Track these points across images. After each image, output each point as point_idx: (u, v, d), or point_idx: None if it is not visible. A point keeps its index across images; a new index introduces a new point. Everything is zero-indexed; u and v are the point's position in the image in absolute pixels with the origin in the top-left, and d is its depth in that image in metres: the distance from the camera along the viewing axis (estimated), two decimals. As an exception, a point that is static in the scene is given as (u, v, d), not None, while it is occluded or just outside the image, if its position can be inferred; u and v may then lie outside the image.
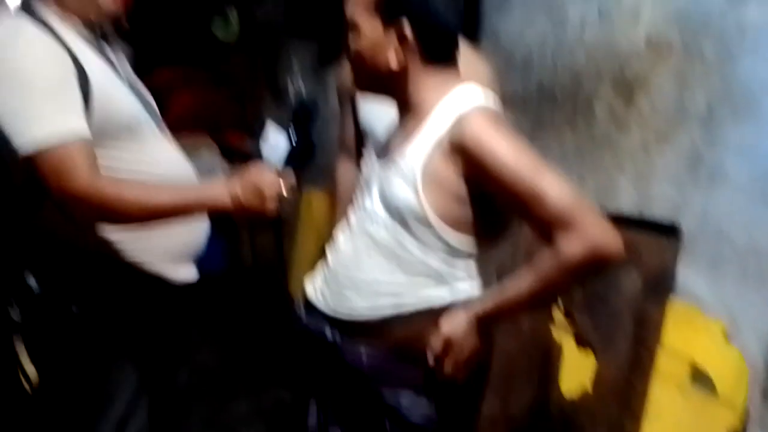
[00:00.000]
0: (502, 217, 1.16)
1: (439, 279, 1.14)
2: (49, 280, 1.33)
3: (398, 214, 1.13)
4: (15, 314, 1.39)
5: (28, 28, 1.25)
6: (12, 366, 1.48)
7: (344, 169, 1.91)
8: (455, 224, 1.11)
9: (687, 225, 1.59)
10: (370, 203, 1.20)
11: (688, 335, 1.50)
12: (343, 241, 1.25)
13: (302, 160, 1.41)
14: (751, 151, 1.44)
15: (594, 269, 1.05)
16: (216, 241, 4.04)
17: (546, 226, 1.04)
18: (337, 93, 1.90)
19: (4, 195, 1.31)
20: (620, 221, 1.62)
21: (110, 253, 1.32)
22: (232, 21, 3.80)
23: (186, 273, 1.50)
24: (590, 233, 1.01)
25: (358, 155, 1.82)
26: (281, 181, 1.28)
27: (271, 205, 1.27)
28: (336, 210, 1.93)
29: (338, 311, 1.21)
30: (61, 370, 1.40)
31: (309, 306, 1.28)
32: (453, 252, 1.13)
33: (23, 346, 1.45)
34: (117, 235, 1.32)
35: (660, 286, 1.59)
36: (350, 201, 1.81)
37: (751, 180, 1.45)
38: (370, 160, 1.25)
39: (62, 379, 1.40)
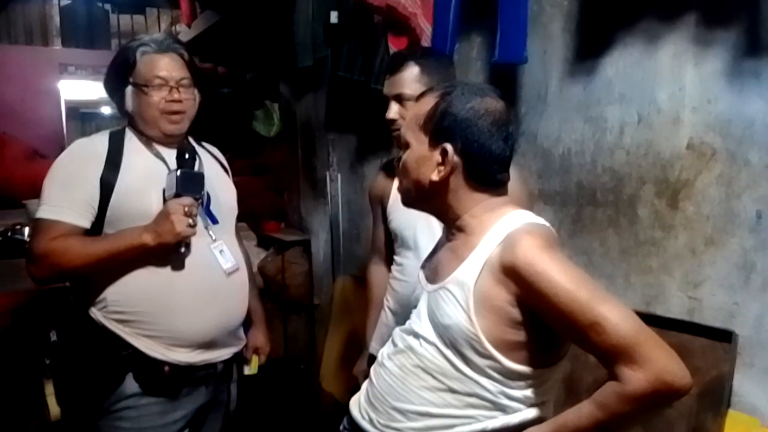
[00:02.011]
0: (559, 341, 1.12)
1: (493, 403, 1.11)
2: (66, 337, 1.64)
3: (449, 338, 1.11)
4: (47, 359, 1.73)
5: (98, 136, 1.65)
6: (39, 401, 1.78)
7: (377, 272, 1.97)
8: (509, 348, 1.08)
9: (741, 332, 1.54)
10: (419, 325, 1.19)
11: (749, 451, 1.43)
12: (388, 360, 1.23)
13: (193, 188, 1.59)
14: (805, 259, 1.41)
15: (661, 403, 1.00)
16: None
17: (608, 356, 1.00)
18: (369, 198, 1.97)
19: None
20: (672, 325, 1.61)
21: (113, 329, 1.57)
22: (273, 117, 3.94)
23: (193, 357, 1.64)
24: (656, 366, 0.96)
25: (389, 258, 1.88)
26: (179, 203, 1.54)
27: (180, 225, 1.52)
28: (369, 312, 1.95)
29: None
30: (73, 412, 1.69)
31: (354, 426, 1.26)
32: (507, 376, 1.09)
33: (51, 384, 1.73)
34: (121, 315, 1.56)
35: (716, 396, 1.53)
36: (382, 303, 1.85)
37: (807, 288, 1.41)
38: (416, 278, 1.26)
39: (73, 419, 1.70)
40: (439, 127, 1.14)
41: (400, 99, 1.65)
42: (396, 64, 1.67)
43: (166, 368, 1.58)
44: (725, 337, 1.55)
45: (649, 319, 1.68)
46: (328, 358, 3.40)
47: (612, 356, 0.99)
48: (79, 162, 1.57)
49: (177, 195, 1.55)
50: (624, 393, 0.98)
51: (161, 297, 1.57)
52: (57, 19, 6.89)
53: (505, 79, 2.13)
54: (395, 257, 1.82)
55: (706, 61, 1.61)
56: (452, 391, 1.12)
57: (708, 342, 1.57)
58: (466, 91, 1.15)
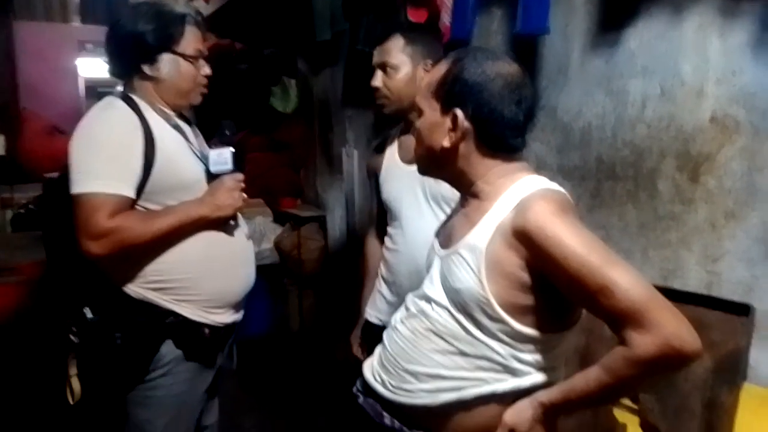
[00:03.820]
0: (570, 306, 1.12)
1: (504, 366, 1.12)
2: (103, 313, 1.62)
3: (461, 302, 1.12)
4: (74, 337, 1.66)
5: (118, 105, 1.60)
6: (61, 380, 1.70)
7: (371, 242, 2.05)
8: (520, 312, 1.09)
9: (759, 306, 1.53)
10: (431, 288, 1.20)
11: (763, 421, 1.43)
12: (401, 324, 1.25)
13: (241, 166, 1.72)
14: (827, 232, 1.40)
15: (668, 367, 1.00)
16: (262, 304, 4.07)
17: (617, 320, 0.99)
18: (367, 171, 2.04)
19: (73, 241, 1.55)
20: (689, 299, 1.61)
21: (152, 299, 1.60)
22: (290, 93, 3.94)
23: (226, 318, 1.71)
24: (664, 330, 0.96)
25: (382, 229, 1.94)
26: (235, 179, 1.66)
27: (240, 200, 1.66)
28: (364, 281, 2.02)
29: (398, 395, 1.20)
30: (100, 390, 1.69)
31: (367, 389, 1.28)
32: (518, 339, 1.10)
33: (75, 364, 1.68)
34: (160, 284, 1.60)
35: (732, 369, 1.52)
36: (376, 273, 1.91)
37: (828, 262, 1.40)
38: (412, 246, 1.27)
39: (98, 397, 1.69)
40: (450, 93, 1.14)
41: (384, 68, 1.74)
42: (383, 35, 1.76)
43: (207, 330, 1.65)
44: (743, 310, 1.54)
45: (667, 293, 1.68)
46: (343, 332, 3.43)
47: (621, 320, 0.99)
48: (123, 134, 1.54)
49: (230, 171, 1.67)
50: (632, 357, 0.98)
51: (204, 262, 1.63)
52: (76, -4, 6.92)
53: (526, 52, 2.11)
54: (387, 228, 1.89)
55: (731, 32, 1.58)
56: (463, 354, 1.13)
57: (725, 316, 1.56)
58: (479, 56, 1.15)
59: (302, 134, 4.00)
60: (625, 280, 0.98)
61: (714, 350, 1.54)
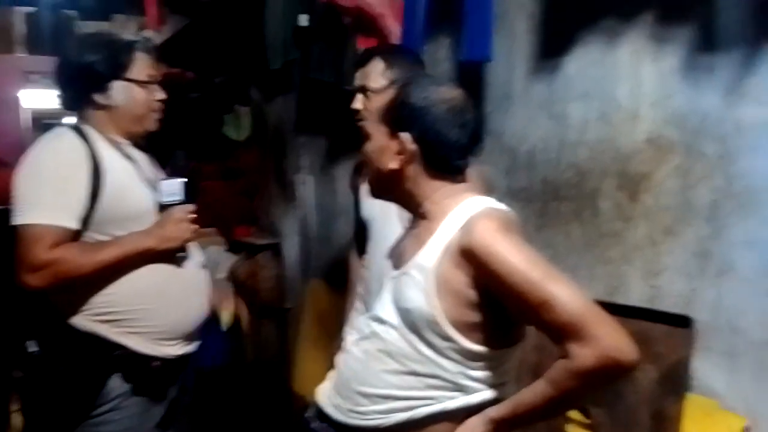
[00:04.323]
0: (516, 322, 1.15)
1: (454, 384, 1.14)
2: (47, 346, 1.58)
3: (411, 321, 1.14)
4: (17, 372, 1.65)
5: (65, 136, 1.58)
6: (2, 416, 1.71)
7: (352, 261, 2.03)
8: (468, 330, 1.11)
9: (699, 318, 1.60)
10: (383, 310, 1.21)
11: (707, 430, 1.48)
12: (353, 346, 1.26)
13: (192, 197, 1.71)
14: (757, 245, 1.47)
15: (608, 378, 1.04)
16: (216, 335, 3.99)
17: (558, 333, 1.03)
18: (350, 189, 2.02)
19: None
20: (633, 313, 1.66)
21: (99, 332, 1.56)
22: (243, 121, 3.94)
23: (177, 350, 1.68)
24: (603, 342, 0.99)
25: (361, 247, 1.93)
26: (185, 210, 1.65)
27: (188, 232, 1.65)
28: (347, 300, 2.00)
29: (351, 418, 1.20)
30: (44, 427, 1.65)
31: (321, 414, 1.28)
32: (467, 357, 1.12)
33: (17, 400, 1.68)
34: (108, 316, 1.56)
35: (676, 380, 1.57)
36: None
37: (759, 273, 1.48)
38: (382, 264, 1.30)
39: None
40: (397, 117, 1.18)
41: (364, 91, 1.74)
42: (363, 59, 1.76)
43: (156, 363, 1.62)
44: (684, 322, 1.60)
45: (612, 308, 1.73)
46: (300, 361, 3.40)
47: (562, 334, 1.02)
48: (68, 165, 1.52)
49: (180, 202, 1.65)
50: (573, 369, 1.02)
51: (154, 293, 1.61)
52: (21, 27, 6.78)
53: (472, 78, 2.17)
54: (367, 246, 1.88)
55: (663, 58, 1.67)
56: (414, 373, 1.14)
57: (668, 328, 1.61)
58: (423, 82, 1.21)
59: (256, 162, 3.99)
60: (565, 295, 1.02)
61: (659, 362, 1.60)
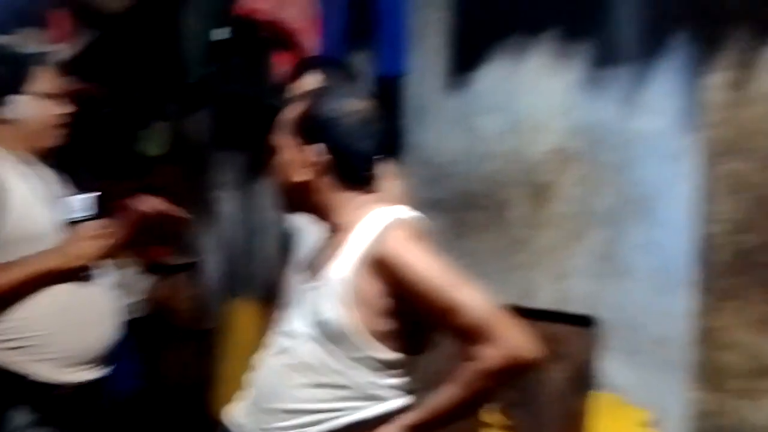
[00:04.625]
0: (428, 331, 1.17)
1: (366, 394, 1.14)
2: None
3: (325, 332, 1.14)
4: None
5: None
6: None
7: (284, 278, 1.97)
8: (382, 339, 1.12)
9: (603, 317, 1.68)
10: (296, 324, 1.20)
11: (613, 425, 1.55)
12: (265, 362, 1.24)
13: (104, 213, 1.65)
14: (651, 247, 1.58)
15: (513, 375, 1.08)
16: (131, 358, 3.83)
17: (465, 337, 1.06)
18: (276, 203, 2.01)
19: None
20: (542, 316, 1.73)
21: (1, 360, 1.49)
22: (159, 136, 3.84)
23: (87, 376, 1.60)
24: (507, 343, 1.04)
25: (288, 261, 1.90)
26: (94, 227, 1.58)
27: (96, 249, 1.57)
28: (273, 320, 1.96)
29: None
30: None
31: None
32: (381, 366, 1.13)
33: None
34: (9, 343, 1.50)
35: (584, 378, 1.65)
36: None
37: (654, 273, 1.58)
38: (295, 277, 1.30)
39: None
40: (307, 129, 1.18)
41: None
42: (299, 70, 1.75)
43: (65, 391, 1.54)
44: (591, 323, 1.68)
45: (523, 312, 1.79)
46: (222, 384, 3.31)
47: (469, 337, 1.06)
48: None
49: (90, 219, 1.58)
50: (481, 369, 1.05)
51: (59, 317, 1.53)
52: None
53: (390, 92, 2.22)
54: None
55: (566, 72, 1.77)
56: (326, 386, 1.14)
57: (575, 329, 1.69)
58: (334, 92, 1.22)
59: (173, 178, 3.89)
60: (471, 300, 1.06)
61: (568, 362, 1.67)
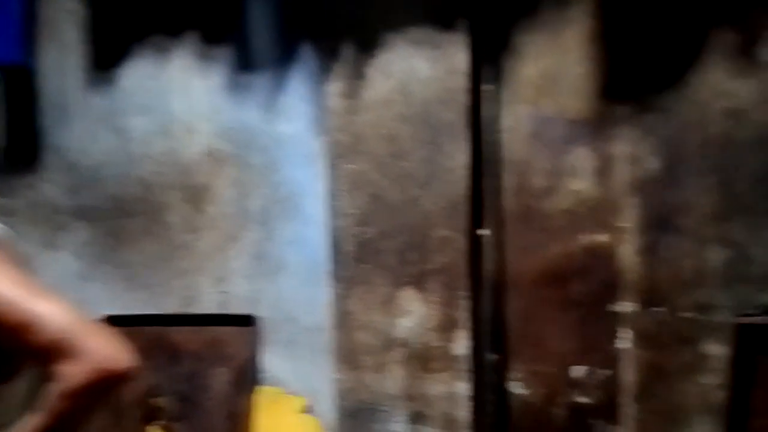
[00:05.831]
0: (8, 355, 1.07)
1: None
2: None
3: None
4: None
5: None
6: None
7: None
8: None
9: (264, 315, 1.74)
10: None
11: (274, 417, 1.62)
12: None
13: None
14: (299, 243, 1.68)
15: (103, 391, 0.98)
16: None
17: (45, 356, 0.95)
18: None
19: None
20: (205, 321, 1.72)
21: None
22: None
23: None
24: (93, 356, 0.95)
25: None
26: None
27: None
28: None
29: None
30: None
31: None
32: None
33: None
34: None
35: (247, 377, 1.69)
36: None
37: (304, 267, 1.68)
38: None
39: None
40: None
41: None
42: None
43: None
44: (250, 322, 1.73)
45: (185, 319, 1.77)
46: None
47: (49, 355, 0.95)
48: None
49: None
50: (64, 390, 0.95)
51: None
52: None
53: (22, 88, 1.95)
54: None
55: (210, 75, 1.76)
56: None
57: (237, 329, 1.72)
58: None
59: None
60: (49, 313, 0.94)
61: (231, 363, 1.69)
